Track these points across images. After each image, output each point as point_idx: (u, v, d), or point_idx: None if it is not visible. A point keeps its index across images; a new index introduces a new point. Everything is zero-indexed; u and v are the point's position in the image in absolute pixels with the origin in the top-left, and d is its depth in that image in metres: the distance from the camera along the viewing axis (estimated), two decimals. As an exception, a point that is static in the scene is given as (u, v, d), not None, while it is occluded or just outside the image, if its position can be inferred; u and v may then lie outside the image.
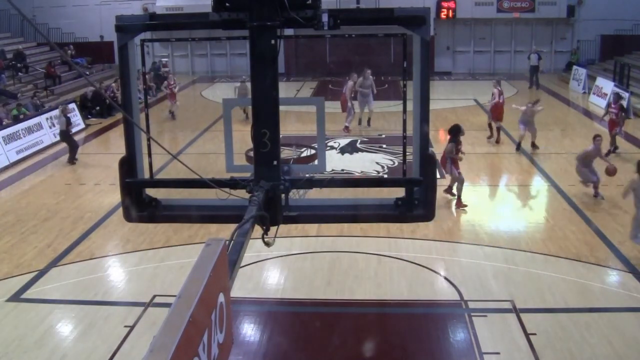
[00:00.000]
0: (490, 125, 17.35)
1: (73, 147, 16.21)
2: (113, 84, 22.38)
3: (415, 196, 4.90)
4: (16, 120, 17.66)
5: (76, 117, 20.05)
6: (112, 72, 28.47)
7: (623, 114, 16.23)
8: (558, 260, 9.66)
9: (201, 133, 18.49)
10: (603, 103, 21.92)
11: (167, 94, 22.05)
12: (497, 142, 16.88)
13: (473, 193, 13.26)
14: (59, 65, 25.61)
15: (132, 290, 9.09)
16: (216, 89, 28.01)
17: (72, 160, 15.93)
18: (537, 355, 7.19)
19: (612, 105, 16.28)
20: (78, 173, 15.19)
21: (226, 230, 4.33)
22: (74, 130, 19.47)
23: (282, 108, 4.68)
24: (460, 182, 12.11)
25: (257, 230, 4.39)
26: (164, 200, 5.30)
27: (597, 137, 12.33)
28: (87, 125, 20.41)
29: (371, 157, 15.80)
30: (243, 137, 5.33)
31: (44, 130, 17.92)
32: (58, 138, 17.00)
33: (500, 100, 16.90)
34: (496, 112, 16.91)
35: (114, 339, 7.62)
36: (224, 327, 3.05)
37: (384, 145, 16.53)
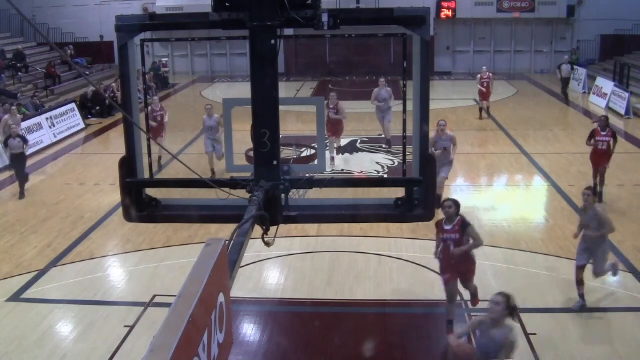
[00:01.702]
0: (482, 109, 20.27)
1: (24, 177, 13.37)
2: (113, 84, 22.38)
3: (415, 196, 4.90)
4: (16, 120, 17.65)
5: (77, 117, 20.08)
6: (112, 72, 28.50)
7: (615, 142, 12.10)
8: (558, 260, 9.65)
9: (201, 133, 18.44)
10: (603, 103, 21.93)
11: (150, 124, 12.79)
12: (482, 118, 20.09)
13: (473, 193, 13.28)
14: (59, 65, 25.63)
15: (132, 290, 9.09)
16: (216, 89, 28.01)
17: (22, 193, 13.12)
18: (537, 355, 7.18)
19: (601, 133, 12.04)
20: (78, 173, 15.19)
21: (226, 230, 4.34)
22: (74, 130, 19.52)
23: (282, 108, 4.67)
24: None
25: (257, 230, 4.39)
26: (164, 200, 5.30)
27: None
28: (87, 125, 20.42)
29: (371, 157, 15.80)
30: (243, 137, 5.33)
31: (44, 130, 17.94)
32: (8, 163, 13.96)
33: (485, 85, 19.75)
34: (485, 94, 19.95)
35: (114, 339, 7.61)
36: (224, 327, 3.05)
37: (384, 145, 16.52)
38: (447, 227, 7.50)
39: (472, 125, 19.53)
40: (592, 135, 12.21)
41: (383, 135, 16.80)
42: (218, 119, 13.54)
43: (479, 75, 20.07)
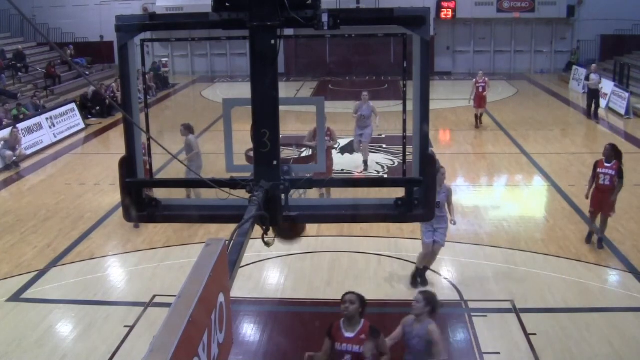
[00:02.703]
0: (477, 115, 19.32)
1: None
2: (113, 84, 22.39)
3: (415, 196, 4.89)
4: (16, 120, 17.67)
5: (77, 117, 20.08)
6: (112, 72, 28.51)
7: (620, 182, 9.91)
8: (558, 260, 9.66)
9: (201, 133, 18.47)
10: (603, 103, 21.90)
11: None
12: (478, 126, 19.15)
13: (473, 193, 13.28)
14: (59, 65, 25.64)
15: (132, 290, 9.09)
16: (216, 89, 28.02)
17: None
18: (537, 355, 7.19)
19: (605, 165, 9.95)
20: (78, 173, 15.20)
21: (226, 230, 4.33)
22: (74, 130, 19.49)
23: (282, 108, 4.67)
24: None
25: (257, 230, 4.38)
26: (164, 200, 5.29)
27: None
28: (87, 125, 20.42)
29: (371, 157, 15.77)
30: (243, 137, 5.33)
31: (44, 130, 17.95)
32: None
33: (481, 90, 18.77)
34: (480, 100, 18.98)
35: (114, 339, 7.62)
36: (224, 327, 3.04)
37: (384, 145, 16.51)
38: (348, 335, 5.52)
39: (472, 125, 19.52)
40: (596, 167, 10.09)
41: (363, 159, 14.92)
42: (192, 140, 12.07)
43: (474, 80, 19.09)
